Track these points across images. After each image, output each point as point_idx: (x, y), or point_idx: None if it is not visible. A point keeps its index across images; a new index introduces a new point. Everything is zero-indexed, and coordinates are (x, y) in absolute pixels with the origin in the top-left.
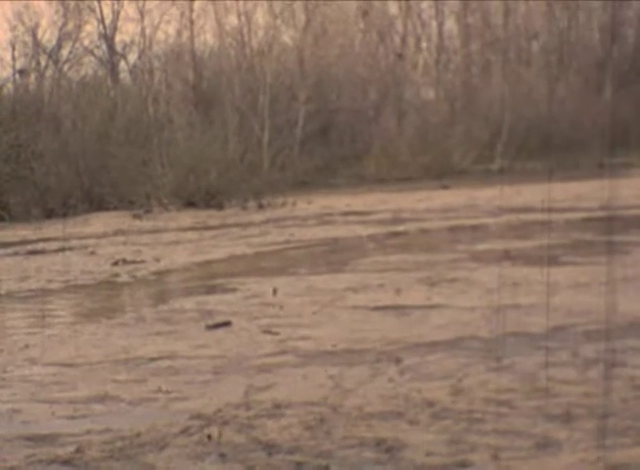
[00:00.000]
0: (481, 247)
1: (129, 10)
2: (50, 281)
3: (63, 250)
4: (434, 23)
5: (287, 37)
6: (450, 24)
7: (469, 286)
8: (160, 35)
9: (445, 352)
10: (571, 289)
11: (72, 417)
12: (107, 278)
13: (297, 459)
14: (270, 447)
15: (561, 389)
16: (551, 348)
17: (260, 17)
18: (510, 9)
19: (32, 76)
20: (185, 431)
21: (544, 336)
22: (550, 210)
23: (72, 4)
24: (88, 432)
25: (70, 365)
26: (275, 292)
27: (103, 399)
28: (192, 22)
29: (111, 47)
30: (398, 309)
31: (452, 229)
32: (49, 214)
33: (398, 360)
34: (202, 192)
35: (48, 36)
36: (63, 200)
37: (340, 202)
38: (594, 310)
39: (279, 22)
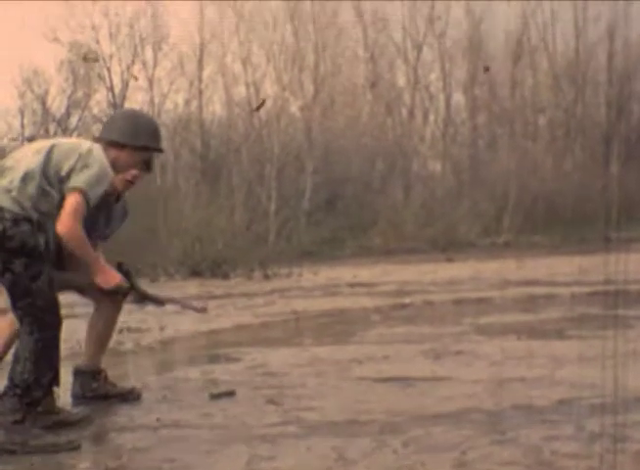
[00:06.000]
0: (486, 320)
1: (138, 79)
2: None
3: (67, 317)
4: (441, 96)
5: (295, 108)
6: (458, 97)
7: (474, 359)
8: (169, 104)
9: (450, 424)
10: (576, 362)
11: None
12: (111, 346)
13: None
14: None
15: (565, 462)
16: (555, 421)
17: (269, 87)
18: (517, 82)
19: None
20: None
21: (549, 409)
22: (556, 283)
23: (82, 72)
24: None
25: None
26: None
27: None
28: (200, 91)
29: None
30: (403, 381)
31: (457, 302)
32: None
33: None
34: (208, 261)
35: (57, 104)
36: None
37: (346, 273)
38: (599, 384)
39: (287, 92)
